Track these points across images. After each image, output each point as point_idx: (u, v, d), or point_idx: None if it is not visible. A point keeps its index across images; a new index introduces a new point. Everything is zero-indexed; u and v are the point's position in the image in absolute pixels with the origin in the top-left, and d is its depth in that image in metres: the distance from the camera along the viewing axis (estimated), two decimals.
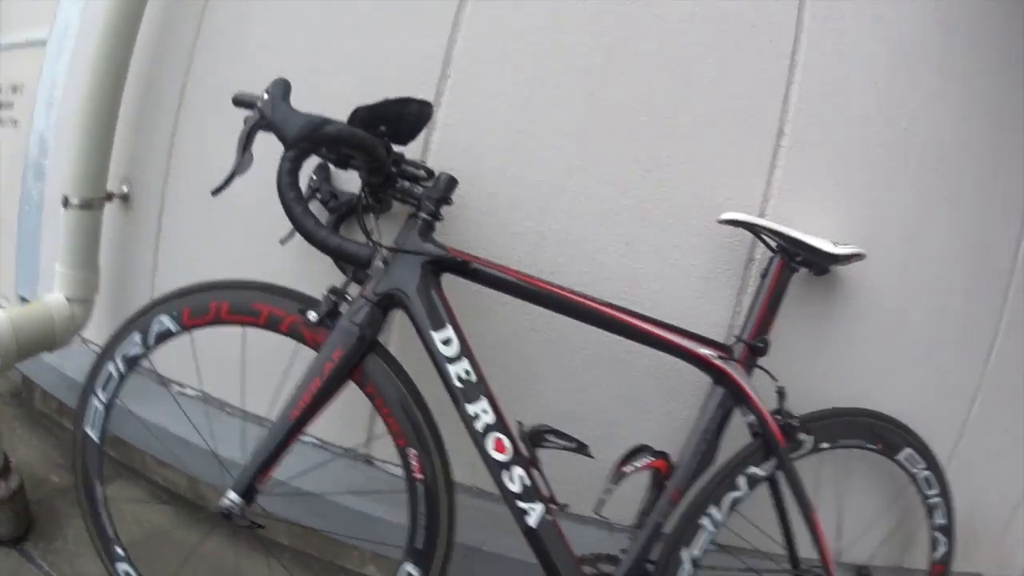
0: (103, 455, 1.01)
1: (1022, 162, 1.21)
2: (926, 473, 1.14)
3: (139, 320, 0.98)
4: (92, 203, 1.27)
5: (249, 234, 1.23)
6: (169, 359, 1.19)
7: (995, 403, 1.27)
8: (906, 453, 1.12)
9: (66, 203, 1.25)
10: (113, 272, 1.37)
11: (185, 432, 1.20)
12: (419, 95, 0.87)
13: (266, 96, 0.81)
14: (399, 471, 1.14)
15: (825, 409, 1.07)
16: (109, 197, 1.32)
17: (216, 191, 0.80)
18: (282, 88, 0.82)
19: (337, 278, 0.97)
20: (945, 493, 1.16)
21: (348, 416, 1.20)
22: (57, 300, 1.29)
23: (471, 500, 1.18)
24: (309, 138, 0.79)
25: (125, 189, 1.35)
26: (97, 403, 1.00)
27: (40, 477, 1.33)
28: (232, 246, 1.26)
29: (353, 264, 0.87)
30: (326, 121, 0.79)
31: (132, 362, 0.99)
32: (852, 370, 1.18)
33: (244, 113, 0.90)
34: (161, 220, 1.32)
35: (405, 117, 0.88)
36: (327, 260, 1.13)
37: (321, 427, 1.16)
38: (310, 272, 1.13)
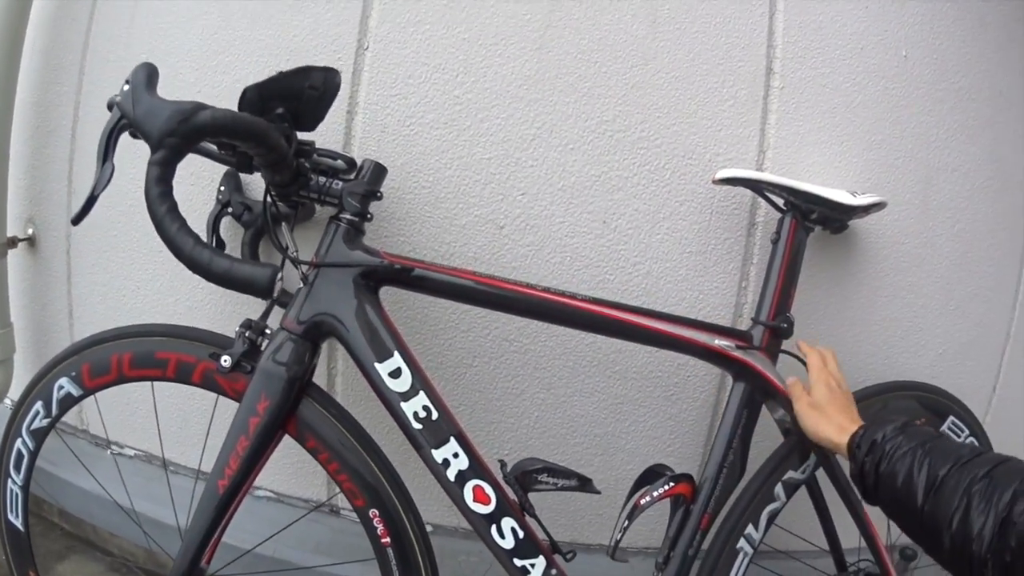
0: (31, 544, 0.89)
1: None
2: (970, 439, 1.02)
3: (39, 386, 0.83)
4: None
5: (169, 260, 1.01)
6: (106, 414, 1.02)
7: None
8: (949, 421, 1.00)
9: None
10: (32, 326, 1.18)
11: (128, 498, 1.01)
12: None
13: (126, 87, 0.61)
14: None
15: (860, 390, 0.92)
16: (12, 243, 1.13)
17: (76, 219, 0.62)
18: (145, 75, 0.61)
19: None
20: None
21: (302, 459, 1.00)
22: None
23: (459, 544, 1.00)
24: (178, 132, 0.58)
25: (30, 231, 1.16)
26: (13, 486, 0.87)
27: None
28: (152, 276, 1.05)
29: (253, 294, 0.64)
30: (199, 107, 0.59)
31: (40, 435, 0.84)
32: (879, 337, 1.04)
33: None
34: (70, 260, 1.10)
35: (307, 93, 0.68)
36: None
37: (271, 476, 1.02)
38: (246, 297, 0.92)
